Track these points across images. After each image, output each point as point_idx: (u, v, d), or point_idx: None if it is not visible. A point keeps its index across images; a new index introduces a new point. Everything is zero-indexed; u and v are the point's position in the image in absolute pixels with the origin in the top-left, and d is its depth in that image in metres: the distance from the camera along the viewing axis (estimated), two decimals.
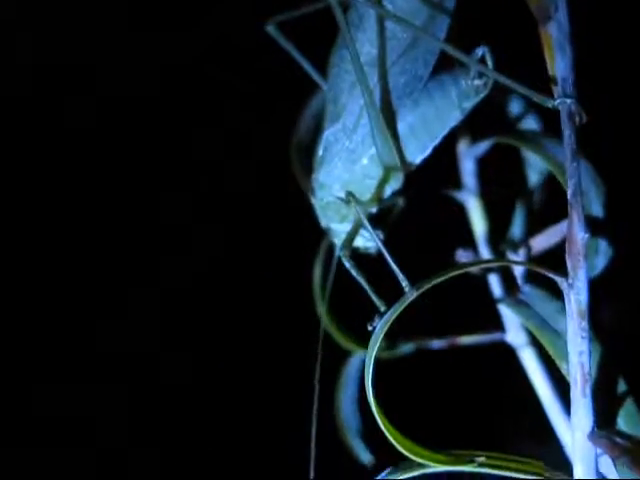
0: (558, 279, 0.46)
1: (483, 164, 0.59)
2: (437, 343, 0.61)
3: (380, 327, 0.46)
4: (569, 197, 0.46)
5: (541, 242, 0.57)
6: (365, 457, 0.66)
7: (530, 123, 0.58)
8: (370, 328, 0.48)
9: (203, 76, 0.81)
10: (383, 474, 0.48)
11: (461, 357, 0.61)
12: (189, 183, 0.86)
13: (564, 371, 0.49)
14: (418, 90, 0.49)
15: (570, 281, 0.46)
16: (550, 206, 0.60)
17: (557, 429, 0.58)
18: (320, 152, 0.51)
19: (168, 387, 0.82)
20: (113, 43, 0.81)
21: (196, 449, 0.81)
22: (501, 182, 0.59)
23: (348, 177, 0.51)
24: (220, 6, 0.80)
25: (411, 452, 0.47)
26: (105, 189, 0.84)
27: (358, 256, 0.53)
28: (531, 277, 0.57)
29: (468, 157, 0.58)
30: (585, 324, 0.46)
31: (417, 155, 0.51)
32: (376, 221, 0.53)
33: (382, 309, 0.48)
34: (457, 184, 0.59)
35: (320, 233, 0.62)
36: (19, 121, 0.83)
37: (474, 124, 0.57)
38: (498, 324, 0.61)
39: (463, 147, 0.58)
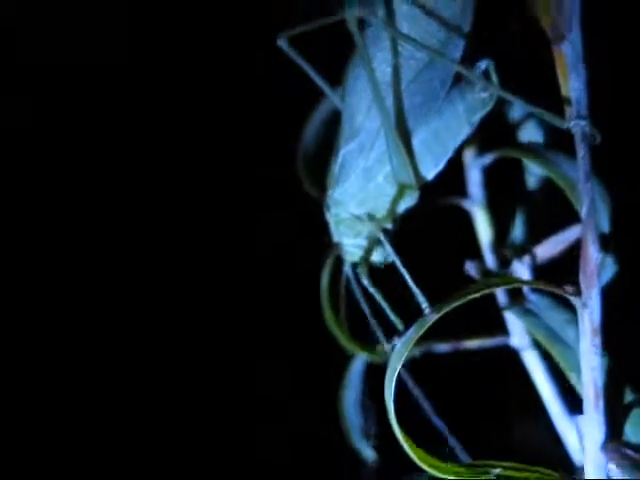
0: (572, 298, 0.48)
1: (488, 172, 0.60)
2: (442, 347, 0.62)
3: (401, 348, 0.47)
4: (583, 217, 0.48)
5: (547, 250, 0.58)
6: (369, 456, 0.68)
7: (534, 133, 0.60)
8: (388, 348, 0.49)
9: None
10: None
11: (465, 360, 0.62)
12: None
13: (574, 381, 0.51)
14: (431, 109, 0.50)
15: (584, 300, 0.48)
16: (553, 212, 0.61)
17: (560, 430, 0.60)
18: (336, 170, 0.52)
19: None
20: (113, 43, 0.81)
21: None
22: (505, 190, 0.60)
23: (364, 195, 0.52)
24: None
25: (430, 466, 0.48)
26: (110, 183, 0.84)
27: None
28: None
29: (474, 167, 0.59)
30: (598, 341, 0.48)
31: (431, 170, 0.52)
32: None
33: (400, 328, 0.50)
34: (462, 193, 0.60)
35: None
36: (19, 121, 0.82)
37: (481, 133, 0.58)
38: (501, 328, 0.63)
39: (469, 157, 0.59)
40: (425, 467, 0.48)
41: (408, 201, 0.52)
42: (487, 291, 0.47)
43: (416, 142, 0.51)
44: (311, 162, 0.60)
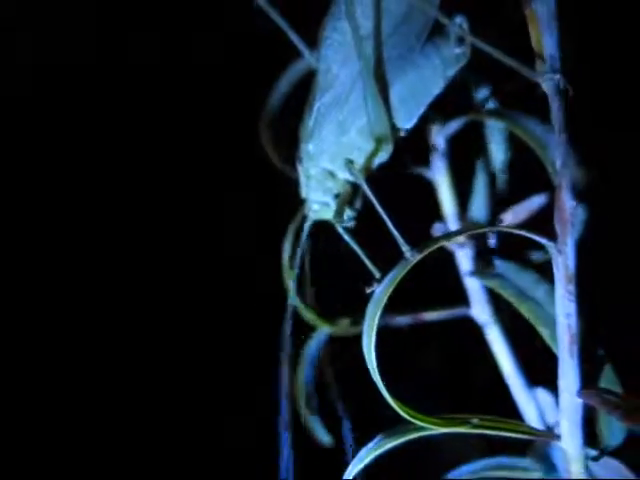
0: (547, 244, 0.48)
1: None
2: (402, 319, 0.62)
3: (382, 291, 0.47)
4: (558, 167, 0.49)
5: (509, 219, 0.59)
6: (324, 438, 0.67)
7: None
8: (368, 291, 0.49)
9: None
10: (377, 439, 0.49)
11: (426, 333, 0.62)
12: None
13: (545, 336, 0.52)
14: (407, 62, 0.51)
15: (559, 247, 0.48)
16: (513, 186, 0.63)
17: (519, 402, 0.60)
18: (310, 123, 0.52)
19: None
20: (114, 43, 0.81)
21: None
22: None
23: (337, 149, 0.52)
24: None
25: (412, 417, 0.47)
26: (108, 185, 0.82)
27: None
28: (501, 252, 0.59)
29: (439, 136, 0.59)
30: (572, 287, 0.49)
31: (405, 124, 0.53)
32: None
33: (377, 276, 0.49)
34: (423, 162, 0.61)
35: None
36: (19, 121, 0.81)
37: (444, 104, 0.60)
38: (461, 301, 0.63)
39: (434, 126, 0.59)
40: (412, 419, 0.48)
41: (382, 156, 0.53)
42: (470, 232, 0.48)
43: (392, 95, 0.52)
44: (276, 128, 0.60)
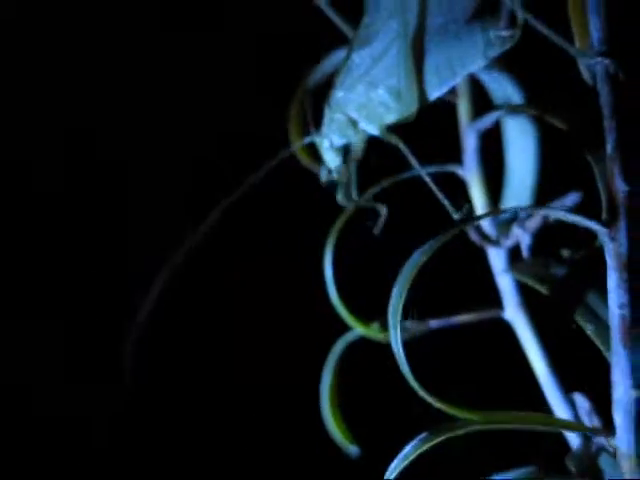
0: (600, 230, 0.47)
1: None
2: (434, 323, 0.60)
3: (420, 253, 0.46)
4: (609, 152, 0.47)
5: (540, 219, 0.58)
6: (351, 450, 0.64)
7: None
8: None
9: None
10: (422, 435, 0.47)
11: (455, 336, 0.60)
12: None
13: (590, 332, 0.50)
14: (450, 33, 0.52)
15: (612, 234, 0.47)
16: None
17: (553, 406, 0.59)
18: (343, 72, 0.53)
19: None
20: (114, 43, 0.80)
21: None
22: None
23: (364, 101, 0.53)
24: None
25: (457, 412, 0.46)
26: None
27: None
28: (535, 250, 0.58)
29: (470, 132, 0.58)
30: (626, 276, 0.47)
31: (434, 92, 0.53)
32: None
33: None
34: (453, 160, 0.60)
35: None
36: (18, 122, 0.80)
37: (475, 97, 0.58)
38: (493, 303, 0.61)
39: (465, 121, 0.58)
40: (462, 415, 0.46)
41: (405, 118, 0.53)
42: (514, 210, 0.47)
43: (427, 59, 0.52)
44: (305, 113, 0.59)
